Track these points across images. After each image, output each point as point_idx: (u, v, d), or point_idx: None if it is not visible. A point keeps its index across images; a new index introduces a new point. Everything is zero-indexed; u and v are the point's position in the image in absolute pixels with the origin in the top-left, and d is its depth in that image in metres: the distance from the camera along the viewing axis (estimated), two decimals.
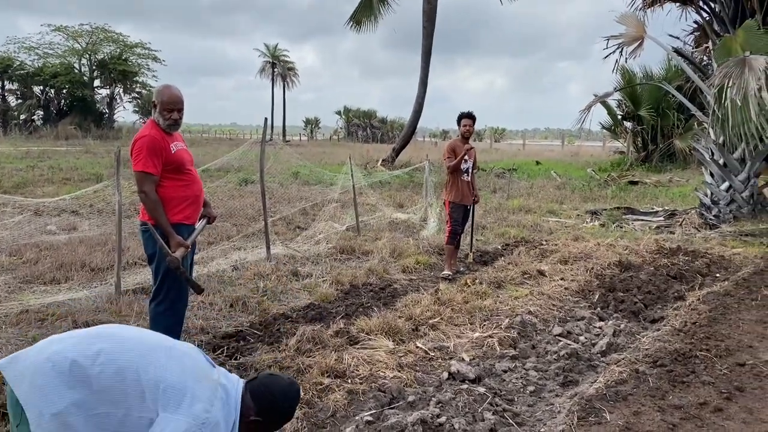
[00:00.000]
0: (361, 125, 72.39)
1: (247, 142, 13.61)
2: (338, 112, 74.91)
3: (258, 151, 7.76)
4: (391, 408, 3.58)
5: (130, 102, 52.13)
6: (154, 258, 4.02)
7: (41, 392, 2.03)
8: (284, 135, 62.41)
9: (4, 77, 43.93)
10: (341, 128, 75.81)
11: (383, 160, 24.19)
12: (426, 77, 24.38)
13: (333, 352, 4.32)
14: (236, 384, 2.36)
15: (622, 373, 3.94)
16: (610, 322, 5.41)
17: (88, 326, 4.80)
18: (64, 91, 44.79)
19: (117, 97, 49.64)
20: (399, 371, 4.11)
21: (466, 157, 7.28)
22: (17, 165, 18.34)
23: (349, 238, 9.08)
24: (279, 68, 64.12)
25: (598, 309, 5.80)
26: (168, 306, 4.02)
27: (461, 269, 7.57)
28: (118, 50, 46.23)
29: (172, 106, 3.95)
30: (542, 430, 3.33)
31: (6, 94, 45.30)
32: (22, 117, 44.91)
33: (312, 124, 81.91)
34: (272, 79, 64.34)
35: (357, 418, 3.40)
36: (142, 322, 4.83)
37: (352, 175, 11.03)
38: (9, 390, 2.10)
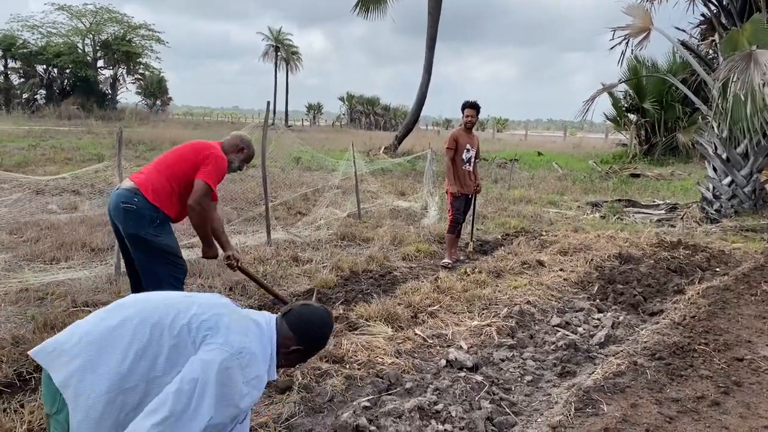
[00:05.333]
0: (365, 112, 72.17)
1: (249, 125, 13.56)
2: (341, 99, 74.69)
3: (259, 135, 7.72)
4: (389, 394, 3.59)
5: (133, 83, 52.05)
6: (136, 239, 3.84)
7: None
8: (287, 119, 62.20)
9: (7, 55, 43.73)
10: (344, 114, 75.60)
11: (386, 148, 24.14)
12: (430, 65, 24.27)
13: (332, 338, 4.31)
14: (269, 319, 2.37)
15: (621, 365, 3.94)
16: (609, 313, 5.41)
17: (87, 306, 4.83)
18: (68, 70, 44.57)
19: (120, 78, 49.50)
20: (397, 358, 4.11)
21: (468, 146, 7.27)
22: (19, 144, 18.31)
23: (350, 225, 9.08)
24: (282, 52, 63.79)
25: (597, 300, 5.80)
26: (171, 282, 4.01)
27: (461, 258, 7.57)
28: (122, 31, 46.01)
29: (250, 161, 4.47)
30: (539, 420, 3.33)
31: (9, 72, 45.11)
32: (25, 96, 44.82)
33: (315, 109, 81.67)
34: (275, 63, 64.02)
35: (354, 403, 3.41)
36: None
37: (354, 161, 11.00)
38: (46, 377, 2.03)
